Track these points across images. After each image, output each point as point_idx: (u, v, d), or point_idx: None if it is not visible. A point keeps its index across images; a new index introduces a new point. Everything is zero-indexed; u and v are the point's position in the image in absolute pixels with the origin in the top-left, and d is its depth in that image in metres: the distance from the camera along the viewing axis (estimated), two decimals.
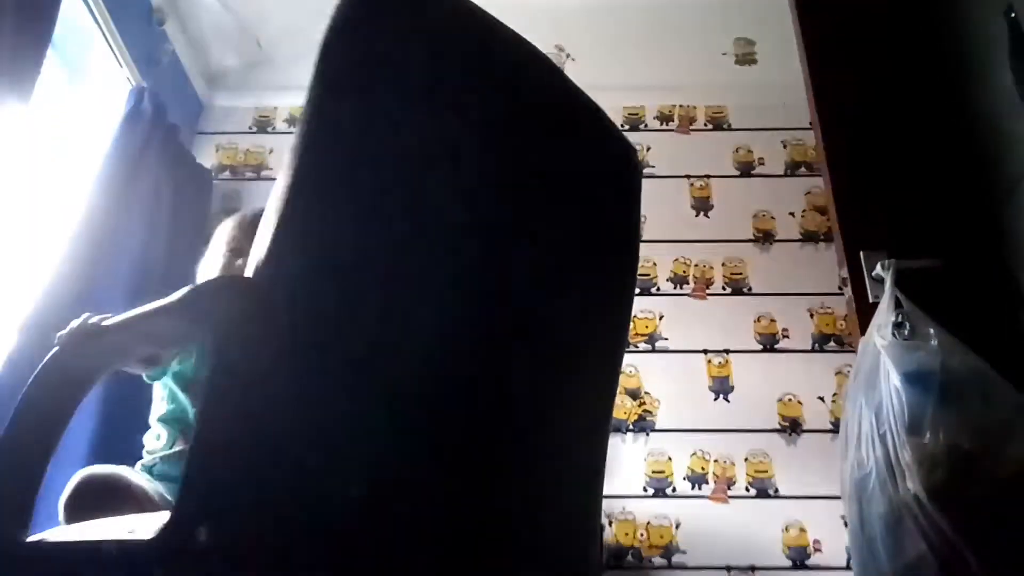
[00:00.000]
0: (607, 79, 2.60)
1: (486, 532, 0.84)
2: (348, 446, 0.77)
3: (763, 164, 3.09)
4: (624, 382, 2.67)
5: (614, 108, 3.11)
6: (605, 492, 1.07)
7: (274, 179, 0.98)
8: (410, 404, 0.80)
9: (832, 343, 2.75)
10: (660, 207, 2.97)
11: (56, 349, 0.86)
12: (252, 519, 0.71)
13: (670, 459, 2.60)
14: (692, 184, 3.06)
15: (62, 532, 0.95)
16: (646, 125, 3.18)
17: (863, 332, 1.57)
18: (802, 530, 2.47)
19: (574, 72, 1.04)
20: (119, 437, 2.26)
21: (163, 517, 0.71)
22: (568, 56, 3.03)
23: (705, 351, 2.76)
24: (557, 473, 0.93)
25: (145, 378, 1.54)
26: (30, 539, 0.79)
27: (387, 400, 0.79)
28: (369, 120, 0.84)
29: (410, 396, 0.81)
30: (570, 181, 1.00)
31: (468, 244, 0.88)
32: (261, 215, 0.81)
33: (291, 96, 3.17)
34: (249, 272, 0.77)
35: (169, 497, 1.40)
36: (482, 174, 0.90)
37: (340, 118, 0.82)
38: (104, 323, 0.89)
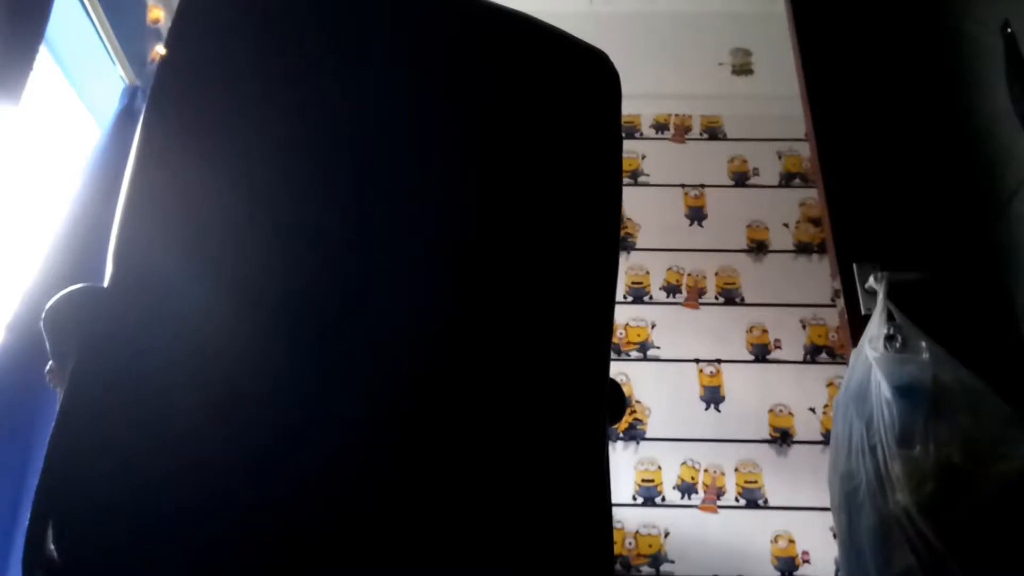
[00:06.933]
0: None
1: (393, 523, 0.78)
2: (207, 464, 0.73)
3: (758, 174, 3.09)
4: None
5: None
6: None
7: None
8: (284, 398, 0.77)
9: (824, 354, 2.75)
10: (654, 215, 2.97)
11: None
12: (102, 546, 0.69)
13: (660, 468, 2.60)
14: (687, 193, 3.06)
15: None
16: (641, 134, 3.18)
17: (855, 344, 1.57)
18: (791, 541, 2.47)
19: None
20: None
21: None
22: None
23: (697, 360, 2.76)
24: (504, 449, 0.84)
25: None
26: None
27: (262, 398, 0.76)
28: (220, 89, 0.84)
29: (286, 387, 0.77)
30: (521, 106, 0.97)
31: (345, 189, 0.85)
32: None
33: None
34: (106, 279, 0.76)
35: None
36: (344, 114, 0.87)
37: (181, 96, 0.84)
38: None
